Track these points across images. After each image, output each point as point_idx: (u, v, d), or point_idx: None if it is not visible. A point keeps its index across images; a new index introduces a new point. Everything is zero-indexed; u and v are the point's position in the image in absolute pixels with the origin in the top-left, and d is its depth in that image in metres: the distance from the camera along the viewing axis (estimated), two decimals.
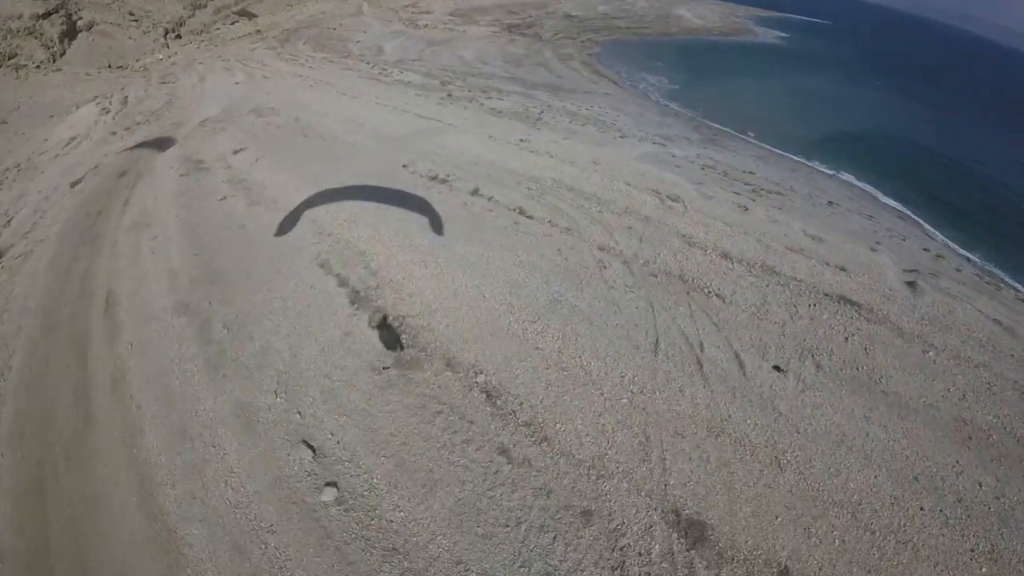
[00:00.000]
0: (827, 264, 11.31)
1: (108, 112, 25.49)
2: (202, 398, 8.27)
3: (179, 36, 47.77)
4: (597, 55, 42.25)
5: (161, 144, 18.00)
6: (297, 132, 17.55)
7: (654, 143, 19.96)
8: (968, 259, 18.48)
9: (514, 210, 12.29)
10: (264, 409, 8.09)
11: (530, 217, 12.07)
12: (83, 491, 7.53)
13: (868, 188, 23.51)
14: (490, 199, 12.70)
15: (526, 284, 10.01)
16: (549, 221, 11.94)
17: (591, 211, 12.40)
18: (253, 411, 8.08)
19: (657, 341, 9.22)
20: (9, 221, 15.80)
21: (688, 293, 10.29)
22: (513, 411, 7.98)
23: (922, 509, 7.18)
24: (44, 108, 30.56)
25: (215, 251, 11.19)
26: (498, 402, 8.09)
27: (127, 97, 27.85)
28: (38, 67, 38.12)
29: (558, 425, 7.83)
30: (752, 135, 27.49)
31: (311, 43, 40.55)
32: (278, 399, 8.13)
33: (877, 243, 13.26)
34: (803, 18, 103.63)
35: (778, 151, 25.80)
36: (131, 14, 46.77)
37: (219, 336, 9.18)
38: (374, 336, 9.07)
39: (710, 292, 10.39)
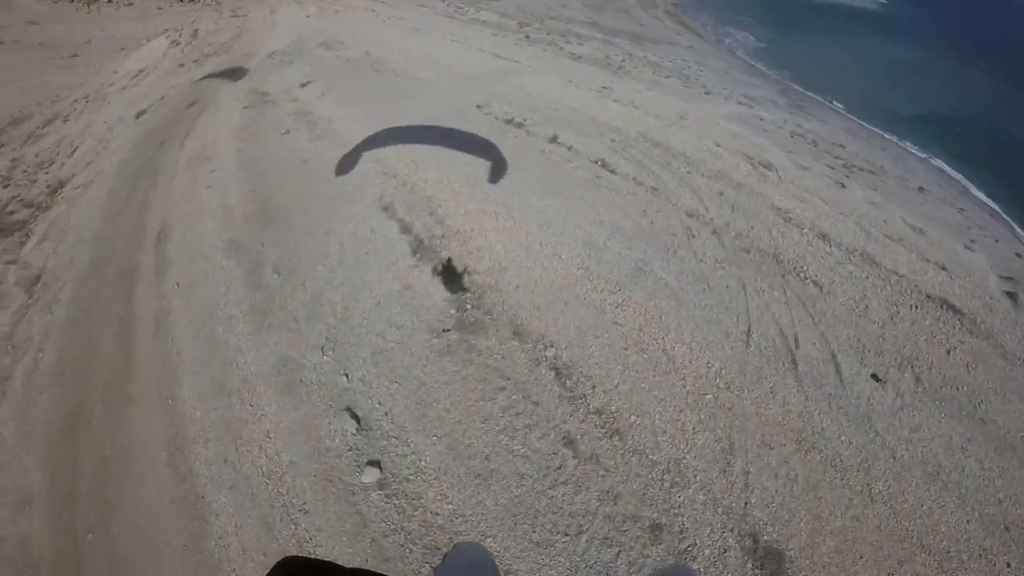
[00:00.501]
0: (928, 260, 9.75)
1: (178, 44, 25.01)
2: (244, 349, 7.54)
3: None
4: (682, 5, 39.20)
5: (228, 75, 17.31)
6: (367, 66, 16.49)
7: (740, 103, 18.17)
8: None
9: (596, 162, 11.01)
10: (309, 368, 7.31)
11: (613, 171, 10.78)
12: (115, 439, 7.01)
13: (960, 178, 21.06)
14: (569, 148, 11.43)
15: (607, 247, 8.80)
16: (634, 178, 10.62)
17: (679, 171, 11.04)
18: (297, 369, 7.31)
19: (749, 330, 7.99)
20: (73, 151, 15.51)
21: (783, 276, 8.97)
22: (584, 395, 6.95)
23: (1008, 566, 5.93)
24: (115, 42, 30.49)
25: (273, 187, 10.40)
26: (568, 382, 7.07)
27: (197, 30, 27.31)
28: (110, 1, 38.17)
29: (633, 417, 6.79)
30: (840, 105, 25.08)
31: None
32: (325, 357, 7.31)
33: (972, 241, 11.52)
34: None
35: (868, 125, 23.43)
36: None
37: (269, 281, 8.39)
38: (436, 291, 8.07)
39: (807, 278, 9.04)
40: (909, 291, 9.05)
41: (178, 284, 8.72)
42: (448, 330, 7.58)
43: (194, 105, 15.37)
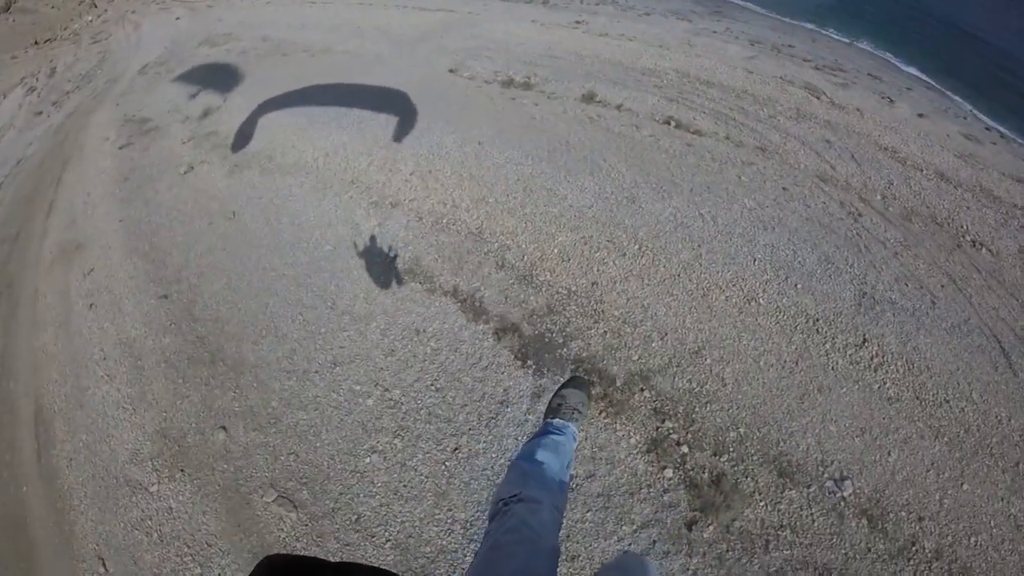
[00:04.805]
0: (1005, 175, 6.19)
1: (34, 91, 17.25)
2: None
3: None
4: None
5: (93, 110, 10.96)
6: (272, 53, 10.34)
7: (678, 18, 13.55)
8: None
9: (667, 123, 6.09)
10: None
11: (699, 133, 5.93)
12: None
13: (888, 56, 17.69)
14: (619, 107, 6.36)
15: (804, 267, 4.27)
16: (727, 137, 5.88)
17: (762, 116, 6.32)
18: None
19: (1003, 347, 3.96)
20: None
21: (959, 248, 4.77)
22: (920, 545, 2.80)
23: None
24: None
25: (199, 280, 4.83)
26: (882, 524, 2.95)
27: (55, 68, 19.20)
28: None
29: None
30: (750, 3, 20.59)
31: None
32: None
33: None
34: None
35: (788, 20, 19.29)
36: None
37: (296, 528, 3.18)
38: (617, 440, 3.35)
39: (975, 242, 4.85)
40: None
41: (105, 565, 3.52)
42: (698, 515, 3.05)
43: (53, 163, 9.21)
